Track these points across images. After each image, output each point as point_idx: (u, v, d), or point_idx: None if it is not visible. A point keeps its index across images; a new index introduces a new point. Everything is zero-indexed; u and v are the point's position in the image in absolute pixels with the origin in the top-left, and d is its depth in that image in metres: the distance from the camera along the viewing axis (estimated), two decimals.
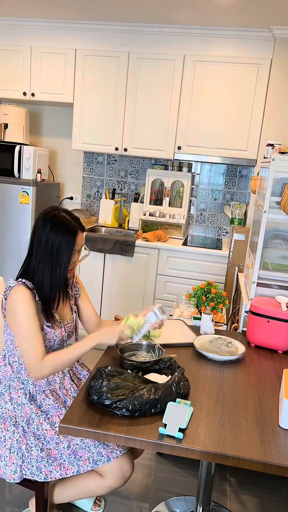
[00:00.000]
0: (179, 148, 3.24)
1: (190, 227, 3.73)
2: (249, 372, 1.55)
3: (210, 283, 1.96)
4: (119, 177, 3.76)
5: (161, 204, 3.55)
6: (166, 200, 3.53)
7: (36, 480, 1.47)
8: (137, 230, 3.57)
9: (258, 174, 2.45)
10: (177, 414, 1.18)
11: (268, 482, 2.12)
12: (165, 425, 1.16)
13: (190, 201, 3.63)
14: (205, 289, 1.94)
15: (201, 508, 1.67)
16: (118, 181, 3.77)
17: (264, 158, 2.21)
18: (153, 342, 1.60)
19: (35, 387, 1.52)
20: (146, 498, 1.96)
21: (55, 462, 1.46)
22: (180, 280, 3.18)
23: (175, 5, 2.74)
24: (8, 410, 1.51)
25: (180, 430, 1.15)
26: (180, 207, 3.53)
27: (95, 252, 3.23)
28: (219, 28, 3.04)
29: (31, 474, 1.46)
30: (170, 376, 1.37)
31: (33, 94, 3.40)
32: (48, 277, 1.49)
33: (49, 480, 1.46)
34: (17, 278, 1.50)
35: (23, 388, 1.51)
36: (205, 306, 1.92)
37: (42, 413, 1.50)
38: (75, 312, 1.69)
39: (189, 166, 3.53)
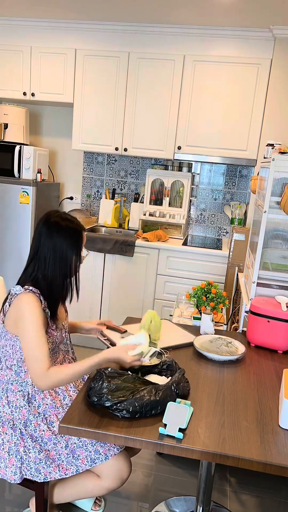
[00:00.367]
0: (179, 148, 3.24)
1: (190, 227, 3.73)
2: (249, 372, 1.55)
3: (210, 283, 1.96)
4: (119, 177, 3.76)
5: (161, 204, 3.55)
6: (166, 200, 3.53)
7: (36, 480, 1.47)
8: (137, 230, 3.57)
9: (258, 174, 2.45)
10: (177, 414, 1.18)
11: (268, 482, 2.12)
12: (165, 425, 1.16)
13: (190, 201, 3.63)
14: (205, 289, 1.94)
15: (201, 508, 1.67)
16: (118, 181, 3.77)
17: (264, 158, 2.21)
18: (154, 348, 1.60)
19: (34, 387, 1.53)
20: (146, 498, 1.96)
21: (54, 463, 1.47)
22: (180, 280, 3.18)
23: (175, 5, 2.74)
24: (6, 413, 1.51)
25: (180, 430, 1.15)
26: (180, 207, 3.53)
27: (95, 252, 3.23)
28: (219, 28, 3.04)
29: (30, 475, 1.46)
30: (170, 378, 1.37)
31: (33, 94, 3.40)
32: (62, 281, 1.52)
33: (49, 480, 1.47)
34: (20, 284, 1.50)
35: (21, 390, 1.52)
36: (205, 306, 1.92)
37: (40, 415, 1.51)
38: (66, 311, 1.71)
39: (189, 166, 3.53)
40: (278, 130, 3.06)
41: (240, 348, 1.69)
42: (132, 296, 3.27)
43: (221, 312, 1.95)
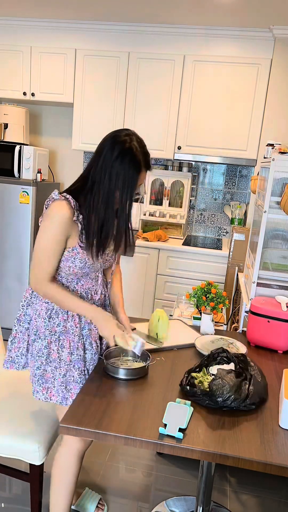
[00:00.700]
0: (179, 148, 3.24)
1: (190, 227, 3.73)
2: None
3: (210, 283, 1.96)
4: None
5: (161, 204, 3.55)
6: (166, 200, 3.53)
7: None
8: (137, 230, 3.57)
9: (258, 174, 2.46)
10: (177, 414, 1.18)
11: (268, 482, 2.12)
12: (165, 425, 1.16)
13: (190, 201, 3.63)
14: (205, 289, 1.94)
15: (201, 508, 1.67)
16: None
17: (264, 158, 2.21)
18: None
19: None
20: (146, 498, 1.96)
21: (45, 384, 1.49)
22: (180, 280, 3.18)
23: (175, 5, 2.74)
24: (27, 315, 1.53)
25: (180, 430, 1.15)
26: (180, 207, 3.53)
27: None
28: (219, 28, 3.04)
29: (32, 382, 1.51)
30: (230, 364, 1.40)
31: (33, 94, 3.40)
32: (107, 212, 1.39)
33: (35, 396, 1.49)
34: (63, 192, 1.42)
35: (47, 302, 1.49)
36: (205, 306, 1.92)
37: (55, 334, 1.49)
38: (116, 261, 1.65)
39: (189, 166, 3.53)
40: (278, 130, 3.06)
41: (242, 349, 1.69)
42: (132, 296, 3.27)
43: (221, 312, 1.95)
